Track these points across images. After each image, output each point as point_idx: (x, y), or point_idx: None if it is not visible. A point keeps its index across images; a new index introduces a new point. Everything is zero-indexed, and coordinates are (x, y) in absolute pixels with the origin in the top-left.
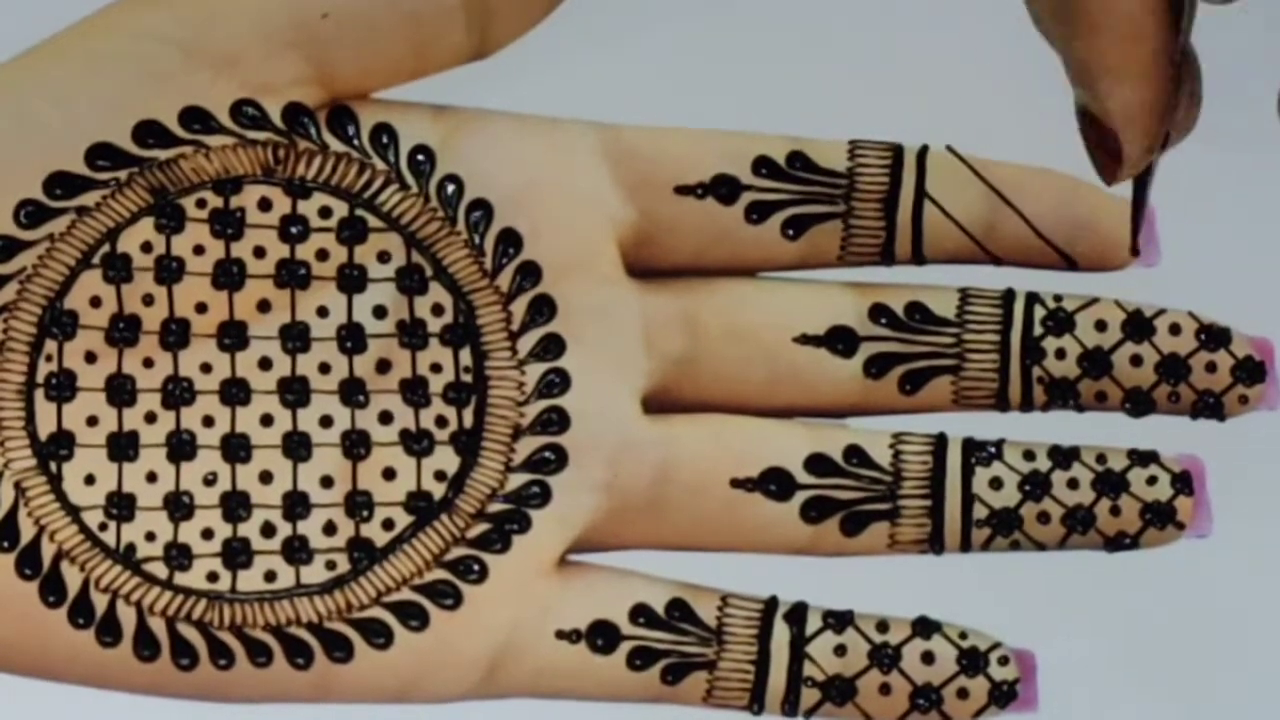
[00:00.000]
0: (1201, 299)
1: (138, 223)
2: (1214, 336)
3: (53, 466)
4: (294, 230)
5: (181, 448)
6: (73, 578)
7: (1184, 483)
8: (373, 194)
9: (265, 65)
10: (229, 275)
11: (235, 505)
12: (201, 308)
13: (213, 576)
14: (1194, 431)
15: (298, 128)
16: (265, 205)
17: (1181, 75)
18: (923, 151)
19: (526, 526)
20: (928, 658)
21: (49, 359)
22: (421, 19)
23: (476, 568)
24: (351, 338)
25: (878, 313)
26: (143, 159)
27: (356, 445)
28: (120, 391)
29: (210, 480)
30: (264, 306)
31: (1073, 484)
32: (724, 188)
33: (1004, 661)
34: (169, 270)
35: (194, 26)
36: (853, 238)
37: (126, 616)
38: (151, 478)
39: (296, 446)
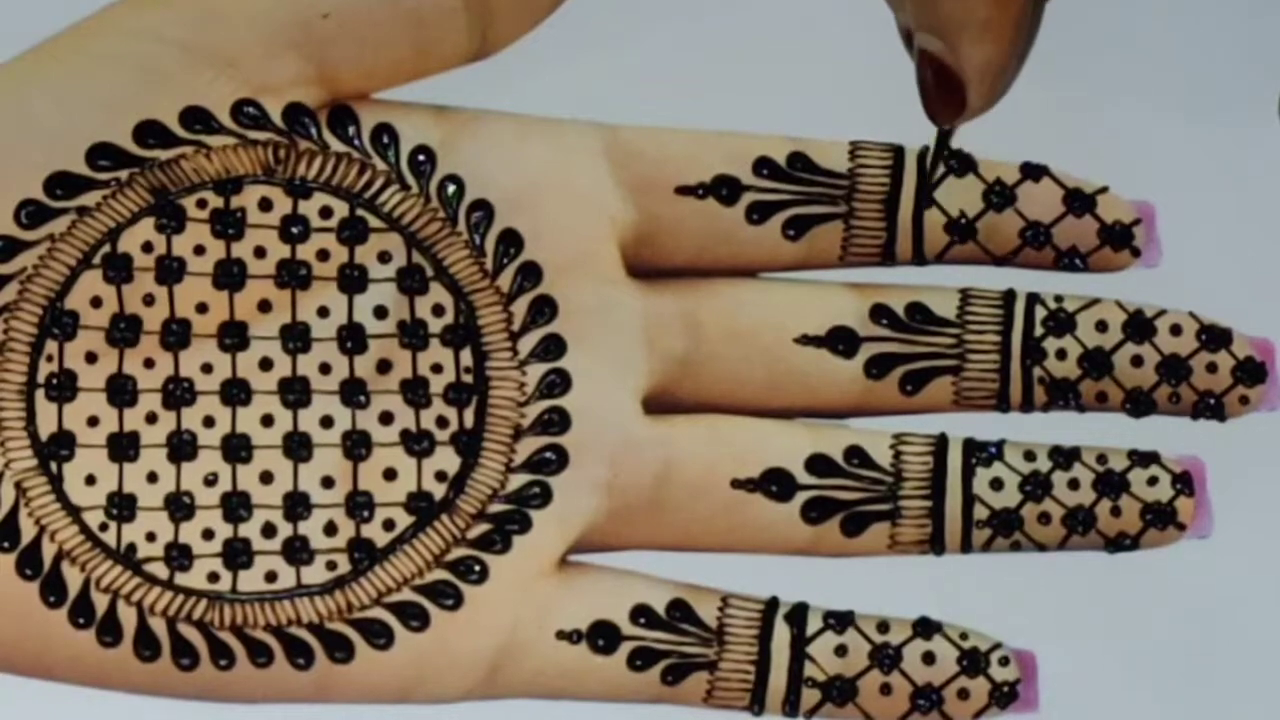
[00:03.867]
0: (1202, 299)
1: (138, 223)
2: (1215, 337)
3: (53, 467)
4: (295, 230)
5: (182, 448)
6: (73, 578)
7: (1185, 483)
8: (373, 194)
9: (266, 65)
10: (230, 275)
11: (236, 505)
12: (202, 308)
13: (213, 577)
14: (1195, 432)
15: (298, 128)
16: (266, 205)
17: (1030, 37)
18: (924, 152)
19: (527, 527)
20: (928, 658)
21: (49, 359)
22: (423, 19)
23: (477, 568)
24: (352, 338)
25: (879, 313)
26: (143, 159)
27: (357, 445)
28: (121, 392)
29: (211, 480)
30: (265, 307)
31: (1073, 485)
32: (725, 188)
33: (1005, 662)
34: (170, 270)
35: (194, 26)
36: (854, 238)
37: (127, 617)
38: (152, 478)
39: (297, 447)
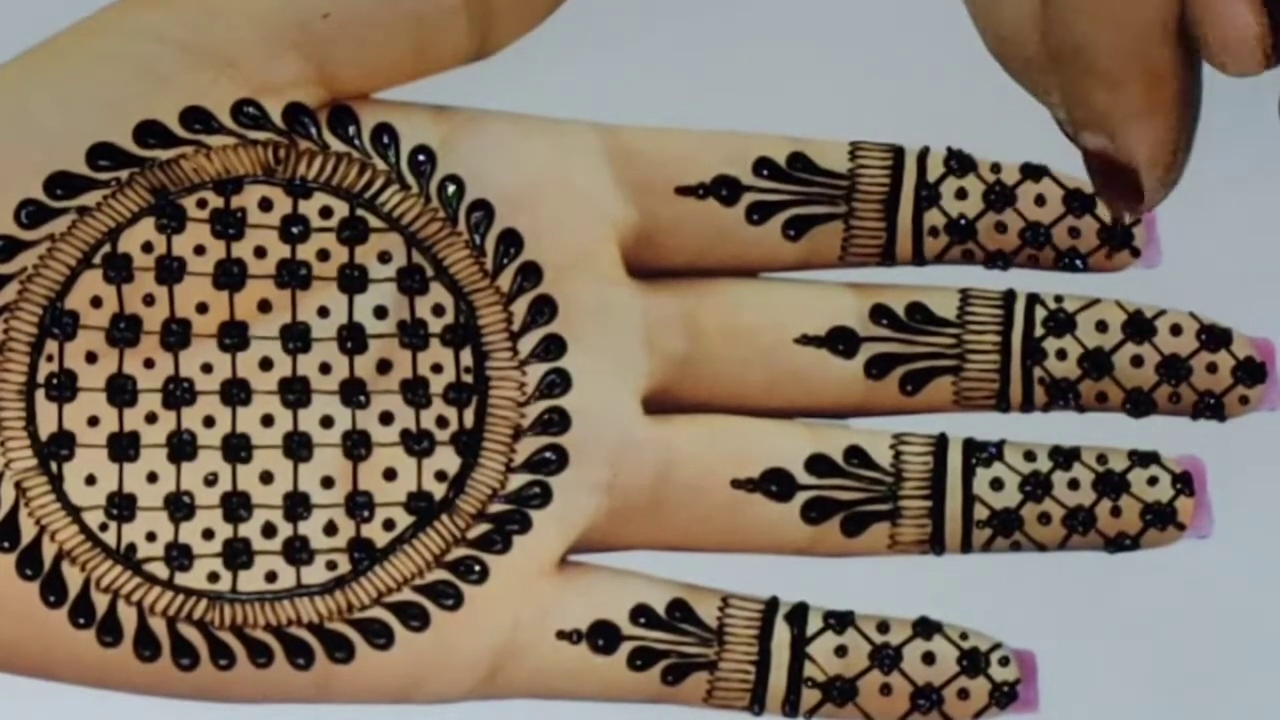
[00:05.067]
0: (1202, 300)
1: (139, 223)
2: (1215, 337)
3: (53, 467)
4: (295, 230)
5: (182, 448)
6: (73, 578)
7: (1185, 483)
8: (373, 194)
9: (266, 65)
10: (230, 275)
11: (236, 505)
12: (202, 308)
13: (213, 577)
14: (1195, 432)
15: (298, 127)
16: (266, 205)
17: (1195, 113)
18: (923, 153)
19: (527, 527)
20: (928, 658)
21: (50, 359)
22: (423, 19)
23: (477, 568)
24: (352, 338)
25: (879, 313)
26: (144, 159)
27: (357, 445)
28: (121, 392)
29: (211, 480)
30: (265, 307)
31: (1073, 485)
32: (725, 188)
33: (1005, 662)
34: (170, 270)
35: (195, 26)
36: (854, 238)
37: (127, 616)
38: (152, 478)
39: (297, 447)
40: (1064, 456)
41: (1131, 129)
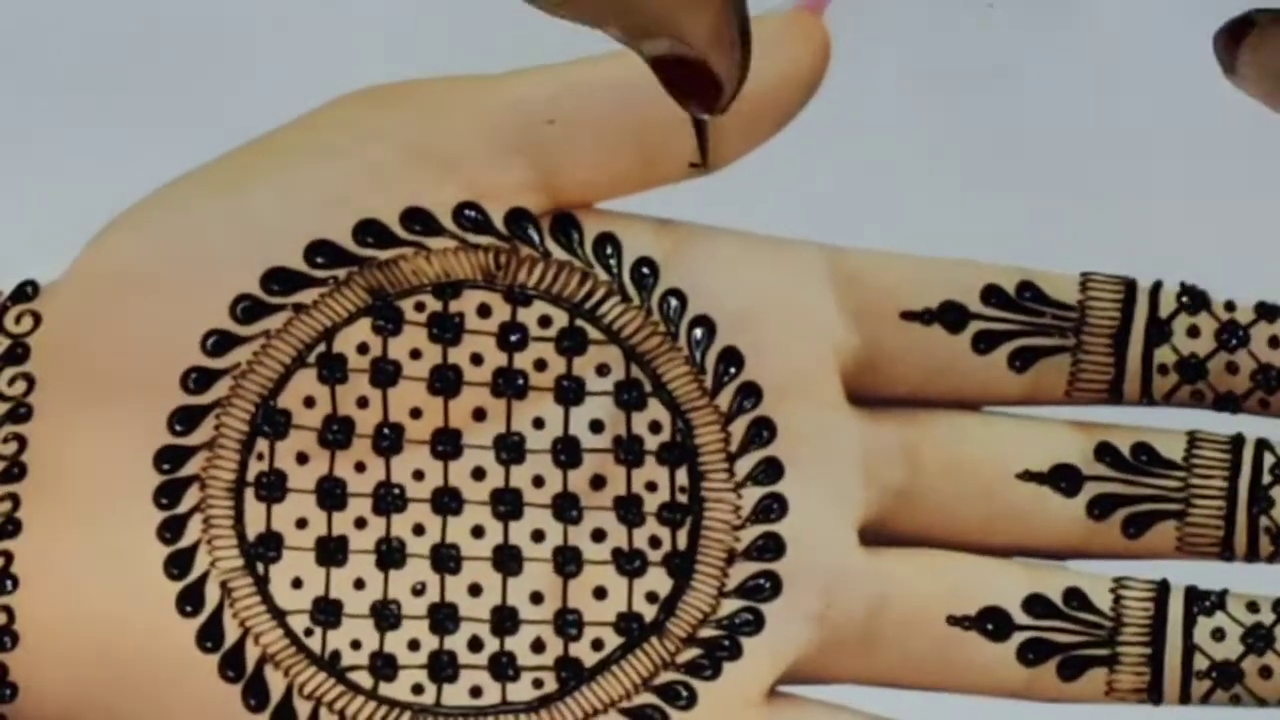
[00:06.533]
0: None
1: (355, 323)
2: None
3: (260, 568)
4: (513, 338)
5: (391, 555)
6: (276, 683)
7: None
8: (594, 305)
9: (489, 169)
10: (445, 381)
11: (443, 617)
12: (416, 413)
13: (418, 689)
14: None
15: (520, 233)
16: (484, 311)
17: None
18: (1156, 287)
19: (737, 654)
20: None
21: (260, 458)
22: (649, 130)
23: (685, 693)
24: (567, 451)
25: (1103, 452)
26: (362, 258)
27: (568, 562)
28: (331, 495)
29: (419, 590)
30: (479, 415)
31: None
32: (951, 315)
33: None
34: (385, 373)
35: (419, 127)
36: (1081, 374)
37: None
38: (359, 584)
39: (507, 560)
40: None
41: (685, 20)
